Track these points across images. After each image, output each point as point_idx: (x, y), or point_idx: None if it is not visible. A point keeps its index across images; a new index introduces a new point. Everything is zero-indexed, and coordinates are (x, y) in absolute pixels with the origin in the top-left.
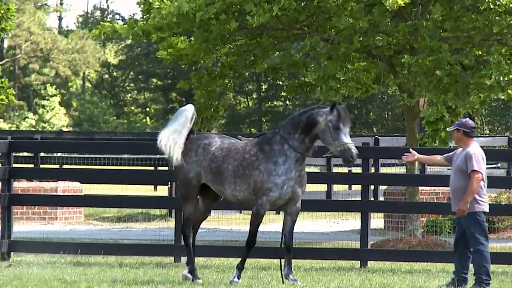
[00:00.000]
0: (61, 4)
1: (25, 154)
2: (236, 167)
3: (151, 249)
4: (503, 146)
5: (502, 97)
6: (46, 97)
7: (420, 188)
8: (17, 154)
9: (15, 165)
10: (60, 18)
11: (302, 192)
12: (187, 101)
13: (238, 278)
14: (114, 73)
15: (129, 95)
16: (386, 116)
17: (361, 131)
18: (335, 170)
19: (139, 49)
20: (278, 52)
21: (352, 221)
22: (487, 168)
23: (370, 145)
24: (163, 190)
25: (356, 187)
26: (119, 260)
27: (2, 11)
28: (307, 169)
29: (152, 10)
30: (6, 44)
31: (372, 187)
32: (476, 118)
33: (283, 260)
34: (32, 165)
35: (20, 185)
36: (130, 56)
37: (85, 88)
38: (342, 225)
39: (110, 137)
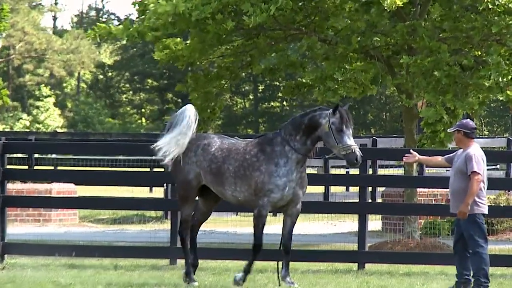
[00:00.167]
0: (56, 4)
1: (19, 155)
2: (237, 167)
3: (147, 251)
4: (502, 147)
5: (501, 98)
6: (41, 98)
7: (418, 189)
8: (11, 156)
9: (9, 167)
10: (54, 18)
11: (303, 193)
12: (183, 102)
13: (242, 281)
14: (109, 74)
15: (124, 95)
16: (384, 117)
17: (359, 132)
18: (332, 171)
19: (134, 49)
20: (275, 53)
21: (350, 223)
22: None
23: (368, 146)
24: (158, 192)
25: (354, 189)
26: (114, 262)
27: None
28: None
29: (147, 11)
30: (0, 44)
31: (370, 188)
32: (475, 119)
33: (280, 262)
34: (26, 167)
35: (14, 187)
36: (126, 56)
37: (80, 88)
38: (340, 227)
39: (105, 138)
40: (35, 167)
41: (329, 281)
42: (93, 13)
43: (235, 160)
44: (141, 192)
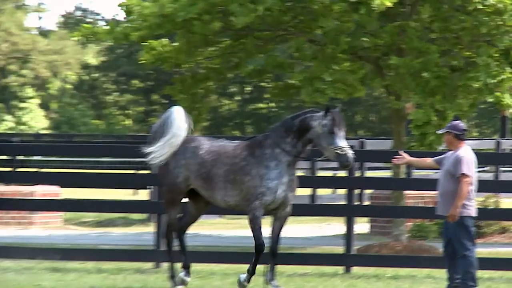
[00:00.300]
0: (41, 4)
1: (2, 157)
2: (227, 172)
3: (131, 254)
4: (490, 149)
5: (491, 100)
6: (25, 99)
7: (406, 192)
8: None
9: None
10: (39, 19)
11: (293, 196)
12: (169, 104)
13: (247, 282)
14: (95, 75)
15: (110, 97)
16: (372, 118)
17: (347, 134)
18: (320, 173)
19: (121, 50)
20: (262, 54)
21: (337, 226)
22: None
23: (356, 148)
24: (143, 194)
25: (341, 191)
26: (98, 265)
27: None
28: None
29: (132, 12)
30: None
31: (357, 191)
32: (464, 121)
33: (267, 266)
34: (9, 169)
35: None
36: (111, 57)
37: (65, 90)
38: (326, 230)
39: (90, 140)
40: (19, 169)
41: (315, 285)
42: (79, 13)
43: (225, 164)
44: (125, 194)
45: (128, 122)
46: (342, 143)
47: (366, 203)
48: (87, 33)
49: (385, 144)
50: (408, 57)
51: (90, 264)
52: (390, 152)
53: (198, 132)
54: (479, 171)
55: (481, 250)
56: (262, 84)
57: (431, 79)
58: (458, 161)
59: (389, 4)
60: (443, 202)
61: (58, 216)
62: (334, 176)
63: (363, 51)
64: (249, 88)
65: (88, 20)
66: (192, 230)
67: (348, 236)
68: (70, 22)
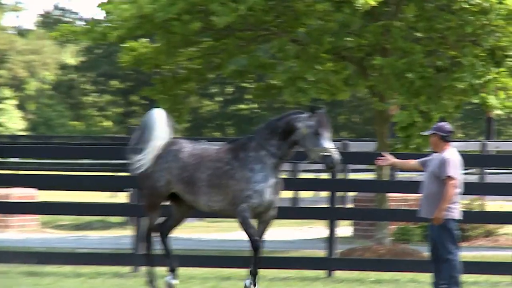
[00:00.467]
0: (19, 3)
1: None
2: (210, 176)
3: (109, 258)
4: (476, 151)
5: (476, 101)
6: (1, 100)
7: (389, 194)
8: None
9: None
10: (17, 18)
11: (278, 199)
12: (149, 104)
13: (253, 285)
14: (73, 75)
15: (88, 98)
16: (355, 120)
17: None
18: (302, 176)
19: (100, 50)
20: (244, 54)
21: (319, 229)
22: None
23: (338, 150)
24: (121, 197)
25: (323, 194)
26: (75, 269)
27: None
28: None
29: (110, 14)
30: None
31: (340, 193)
32: (449, 122)
33: (250, 269)
34: None
35: None
36: (90, 57)
37: (43, 90)
38: (308, 233)
39: (68, 141)
40: None
41: None
42: (57, 13)
43: (208, 168)
44: (103, 197)
45: (107, 123)
46: (327, 144)
47: (349, 205)
48: (65, 33)
49: (368, 146)
50: (392, 57)
51: (67, 268)
52: (373, 154)
53: (178, 134)
54: (464, 173)
55: (466, 254)
56: (244, 84)
57: (416, 79)
58: (443, 163)
59: (373, 3)
60: (427, 205)
61: (35, 219)
62: (316, 178)
63: (346, 51)
64: (231, 89)
65: (66, 19)
66: (171, 233)
67: (331, 240)
68: (48, 22)
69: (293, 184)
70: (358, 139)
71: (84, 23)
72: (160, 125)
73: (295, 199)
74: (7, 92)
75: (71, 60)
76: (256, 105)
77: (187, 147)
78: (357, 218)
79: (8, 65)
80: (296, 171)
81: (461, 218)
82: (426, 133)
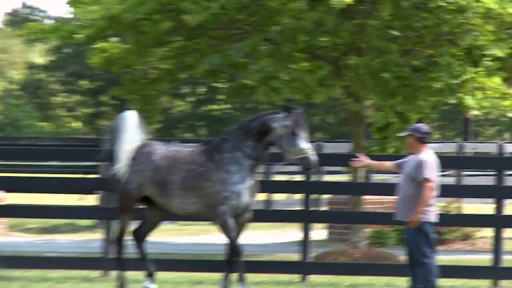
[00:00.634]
0: None
1: None
2: (184, 179)
3: (78, 262)
4: (453, 152)
5: (452, 101)
6: None
7: (364, 197)
8: None
9: None
10: None
11: (254, 202)
12: (119, 105)
13: None
14: (41, 75)
15: (57, 98)
16: (330, 120)
17: None
18: (275, 177)
19: (69, 49)
20: (217, 54)
21: (293, 232)
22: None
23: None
24: (90, 200)
25: (297, 196)
26: (43, 274)
27: None
28: None
29: (78, 15)
30: None
31: (314, 196)
32: (426, 123)
33: (235, 274)
34: None
35: None
36: (59, 57)
37: (10, 90)
38: (282, 236)
39: (35, 142)
40: None
41: None
42: (25, 11)
43: (181, 171)
44: (72, 199)
45: (76, 124)
46: (304, 145)
47: (323, 208)
48: (33, 31)
49: (343, 147)
50: (367, 57)
51: (35, 273)
52: (348, 156)
53: (149, 135)
54: (441, 175)
55: (443, 258)
56: (216, 84)
57: (392, 79)
58: (420, 165)
59: (348, 1)
60: (403, 207)
61: (2, 222)
62: (290, 180)
63: (321, 50)
64: (202, 89)
65: (34, 18)
66: (147, 237)
67: (305, 243)
68: (16, 20)
69: (266, 186)
70: (333, 140)
71: (52, 21)
72: (131, 127)
73: (268, 202)
74: None
75: (40, 60)
76: (228, 106)
77: (160, 149)
78: (332, 221)
79: None
80: (270, 173)
81: (438, 221)
82: (402, 134)
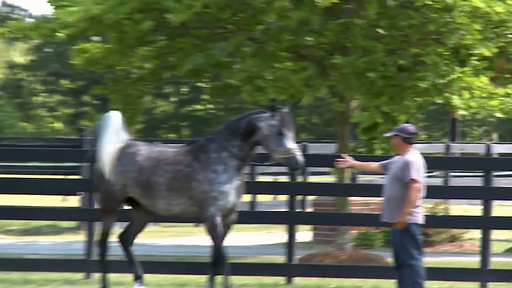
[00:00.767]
0: None
1: None
2: (169, 179)
3: (60, 264)
4: (440, 153)
5: (439, 101)
6: None
7: (350, 198)
8: None
9: None
10: None
11: (240, 203)
12: (101, 105)
13: None
14: (22, 74)
15: (38, 98)
16: (315, 121)
17: None
18: (260, 178)
19: (50, 49)
20: (200, 53)
21: (278, 234)
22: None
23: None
24: (72, 201)
25: (282, 197)
26: (24, 276)
27: None
28: None
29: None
30: None
31: (300, 197)
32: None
33: (220, 277)
34: None
35: None
36: (40, 56)
37: None
38: (267, 238)
39: (16, 143)
40: None
41: None
42: (6, 10)
43: (166, 172)
44: (54, 201)
45: (57, 124)
46: (291, 145)
47: (309, 210)
48: (14, 30)
49: (328, 148)
50: (352, 56)
51: (16, 275)
52: (334, 156)
53: (131, 135)
54: (428, 176)
55: (430, 260)
56: (199, 84)
57: (377, 79)
58: (406, 166)
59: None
60: (389, 209)
61: None
62: (275, 181)
63: (306, 50)
64: (186, 89)
65: (15, 16)
66: (135, 239)
67: (290, 245)
68: None
69: (251, 187)
70: (318, 140)
71: (33, 20)
72: (115, 128)
73: (253, 203)
74: None
75: (20, 59)
76: (212, 106)
77: (144, 150)
78: (318, 223)
79: None
80: (254, 174)
81: (424, 222)
82: (388, 134)
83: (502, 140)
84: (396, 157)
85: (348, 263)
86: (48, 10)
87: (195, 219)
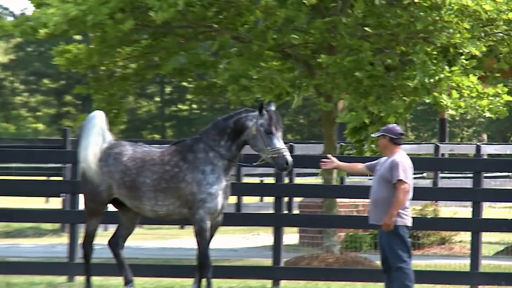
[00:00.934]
0: None
1: None
2: (156, 180)
3: (42, 267)
4: (429, 154)
5: (428, 101)
6: None
7: (338, 200)
8: None
9: None
10: None
11: (227, 204)
12: (83, 105)
13: None
14: (3, 74)
15: (19, 97)
16: (301, 121)
17: None
18: (245, 180)
19: (31, 48)
20: (184, 52)
21: (264, 236)
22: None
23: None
24: (55, 202)
25: (268, 199)
26: (6, 279)
27: None
28: None
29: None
30: None
31: (286, 199)
32: (400, 123)
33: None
34: None
35: None
36: (21, 55)
37: None
38: (253, 241)
39: None
40: None
41: None
42: None
43: (153, 172)
44: (36, 202)
45: (39, 125)
46: (279, 144)
47: (296, 212)
48: None
49: (315, 149)
50: (338, 55)
51: None
52: (321, 157)
53: (114, 136)
54: (417, 178)
55: (419, 262)
56: (183, 84)
57: (364, 78)
58: (394, 167)
59: None
60: (376, 211)
61: None
62: (261, 182)
63: (292, 49)
64: (170, 89)
65: None
66: (125, 242)
67: (276, 248)
68: None
69: (236, 188)
70: (304, 141)
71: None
72: (99, 128)
73: (238, 205)
74: None
75: (0, 58)
76: (196, 106)
77: (129, 150)
78: (305, 225)
79: None
80: (240, 175)
81: (411, 225)
82: (374, 135)
83: (492, 140)
84: (382, 158)
85: (336, 266)
86: (29, 8)
87: (181, 221)
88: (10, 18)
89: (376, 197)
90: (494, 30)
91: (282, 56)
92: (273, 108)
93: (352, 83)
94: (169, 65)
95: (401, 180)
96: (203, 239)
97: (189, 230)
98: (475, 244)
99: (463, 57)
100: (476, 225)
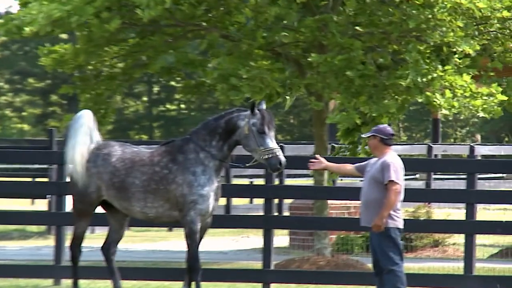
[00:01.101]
0: None
1: None
2: (146, 181)
3: (28, 270)
4: (421, 155)
5: (420, 100)
6: None
7: (329, 201)
8: None
9: None
10: None
11: (217, 206)
12: (69, 105)
13: None
14: None
15: (3, 97)
16: (291, 121)
17: None
18: (235, 181)
19: (16, 46)
20: (172, 51)
21: (254, 239)
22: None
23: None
24: (41, 204)
25: (258, 201)
26: None
27: None
28: None
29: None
30: None
31: (276, 200)
32: (392, 124)
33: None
34: None
35: None
36: (5, 54)
37: None
38: (243, 243)
39: None
40: None
41: None
42: None
43: (142, 173)
44: (22, 204)
45: (24, 125)
46: (272, 144)
47: (286, 213)
48: None
49: (306, 149)
50: (329, 54)
51: None
52: (311, 158)
53: (101, 136)
54: (409, 179)
55: (412, 265)
56: (172, 83)
57: (356, 78)
58: (385, 168)
59: None
60: (367, 212)
61: None
62: (250, 184)
63: (282, 48)
64: (157, 88)
65: None
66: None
67: (266, 250)
68: None
69: (226, 190)
70: (295, 142)
71: None
72: (87, 128)
73: (228, 207)
74: None
75: None
76: (184, 106)
77: (117, 150)
78: (296, 227)
79: None
80: (229, 176)
81: (403, 227)
82: (364, 135)
83: (486, 141)
84: (373, 159)
85: (327, 269)
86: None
87: (170, 223)
88: None
89: (367, 198)
90: (488, 29)
91: (272, 55)
92: (264, 107)
93: (343, 83)
94: (157, 64)
95: (392, 181)
96: (193, 241)
97: (178, 232)
98: (469, 247)
99: (456, 56)
100: (470, 227)
